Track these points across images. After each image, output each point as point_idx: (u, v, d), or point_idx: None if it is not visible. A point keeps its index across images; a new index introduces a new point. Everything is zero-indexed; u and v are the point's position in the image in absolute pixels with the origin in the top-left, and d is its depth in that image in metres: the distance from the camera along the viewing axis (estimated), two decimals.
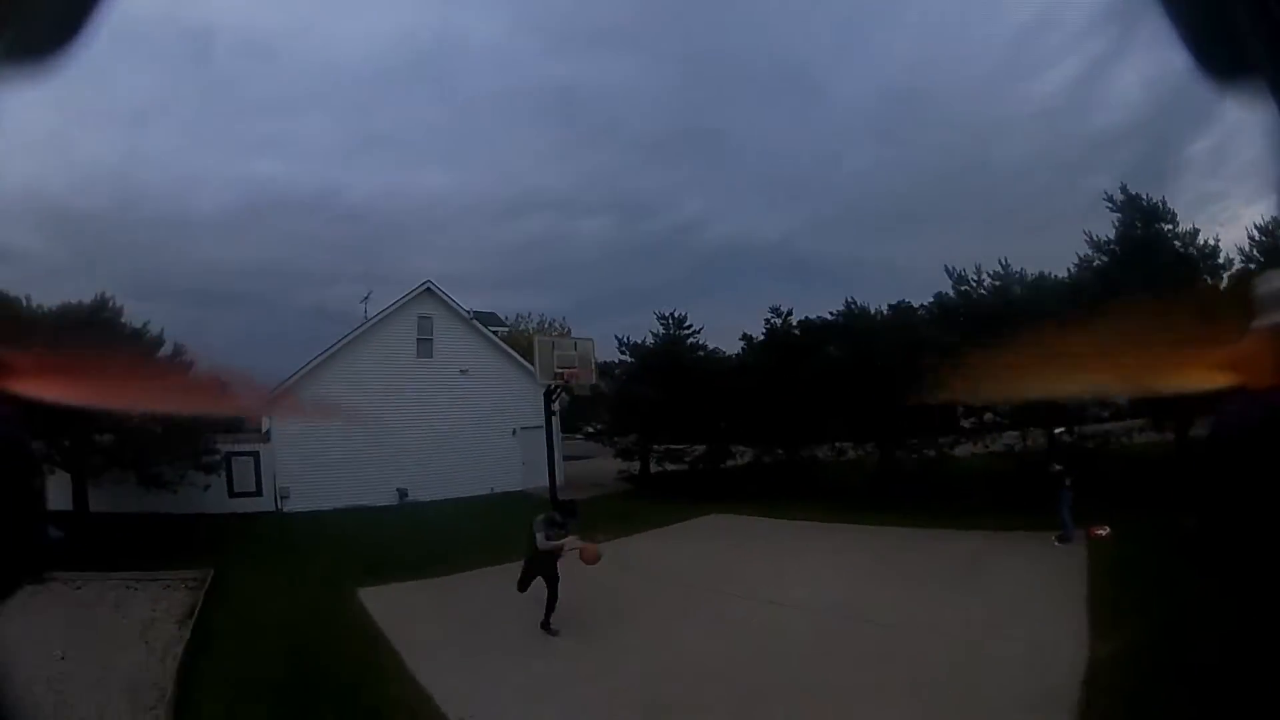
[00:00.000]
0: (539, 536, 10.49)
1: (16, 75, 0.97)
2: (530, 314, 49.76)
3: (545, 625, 10.35)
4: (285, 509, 22.49)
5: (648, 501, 22.75)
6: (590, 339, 23.31)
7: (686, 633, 10.10)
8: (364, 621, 11.08)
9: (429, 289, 25.29)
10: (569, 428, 30.55)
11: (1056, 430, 15.65)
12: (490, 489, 24.57)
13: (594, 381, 23.26)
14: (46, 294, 19.76)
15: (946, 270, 20.32)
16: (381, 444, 23.63)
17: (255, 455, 22.70)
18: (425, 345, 25.55)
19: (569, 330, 44.95)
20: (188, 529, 18.40)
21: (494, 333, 27.64)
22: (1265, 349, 1.04)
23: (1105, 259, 18.37)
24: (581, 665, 9.06)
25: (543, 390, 21.65)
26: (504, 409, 26.05)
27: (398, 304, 25.17)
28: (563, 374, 20.56)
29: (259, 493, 22.63)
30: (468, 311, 25.75)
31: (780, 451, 24.29)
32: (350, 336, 24.96)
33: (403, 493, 23.91)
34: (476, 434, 25.45)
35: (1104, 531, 12.42)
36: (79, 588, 12.35)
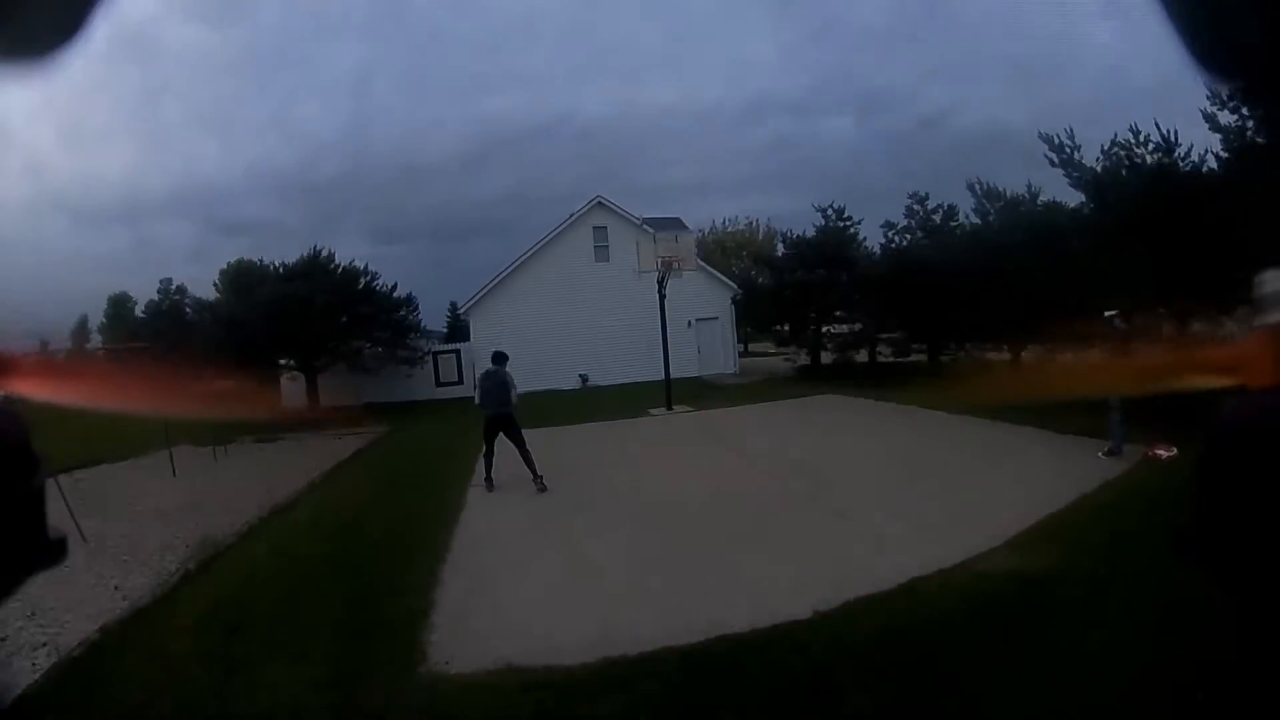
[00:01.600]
0: (512, 393, 11.13)
1: (16, 75, 0.99)
2: (738, 217, 51.20)
3: (538, 480, 10.88)
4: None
5: (787, 384, 24.94)
6: (692, 233, 26.07)
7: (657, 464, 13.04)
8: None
9: (600, 202, 28.60)
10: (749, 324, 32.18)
11: (1107, 314, 10.62)
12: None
13: (695, 268, 24.08)
14: (284, 255, 27.25)
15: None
16: (568, 338, 27.95)
17: (457, 352, 28.54)
18: (601, 251, 28.74)
19: (774, 231, 46.03)
20: (401, 408, 24.56)
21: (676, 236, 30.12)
22: (1265, 349, 1.09)
23: None
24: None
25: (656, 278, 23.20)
26: (680, 301, 27.85)
27: (573, 218, 28.90)
28: (667, 259, 21.91)
29: (460, 382, 28.07)
30: (638, 219, 27.89)
31: (919, 345, 24.82)
32: (534, 249, 28.98)
33: (584, 378, 27.56)
34: (653, 324, 27.40)
35: (1166, 453, 10.11)
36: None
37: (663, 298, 20.29)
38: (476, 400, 11.66)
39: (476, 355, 27.23)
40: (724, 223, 52.73)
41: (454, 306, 43.75)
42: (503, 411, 11.14)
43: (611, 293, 28.49)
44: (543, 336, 28.02)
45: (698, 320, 28.75)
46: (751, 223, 52.84)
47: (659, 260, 20.03)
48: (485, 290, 28.61)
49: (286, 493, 12.26)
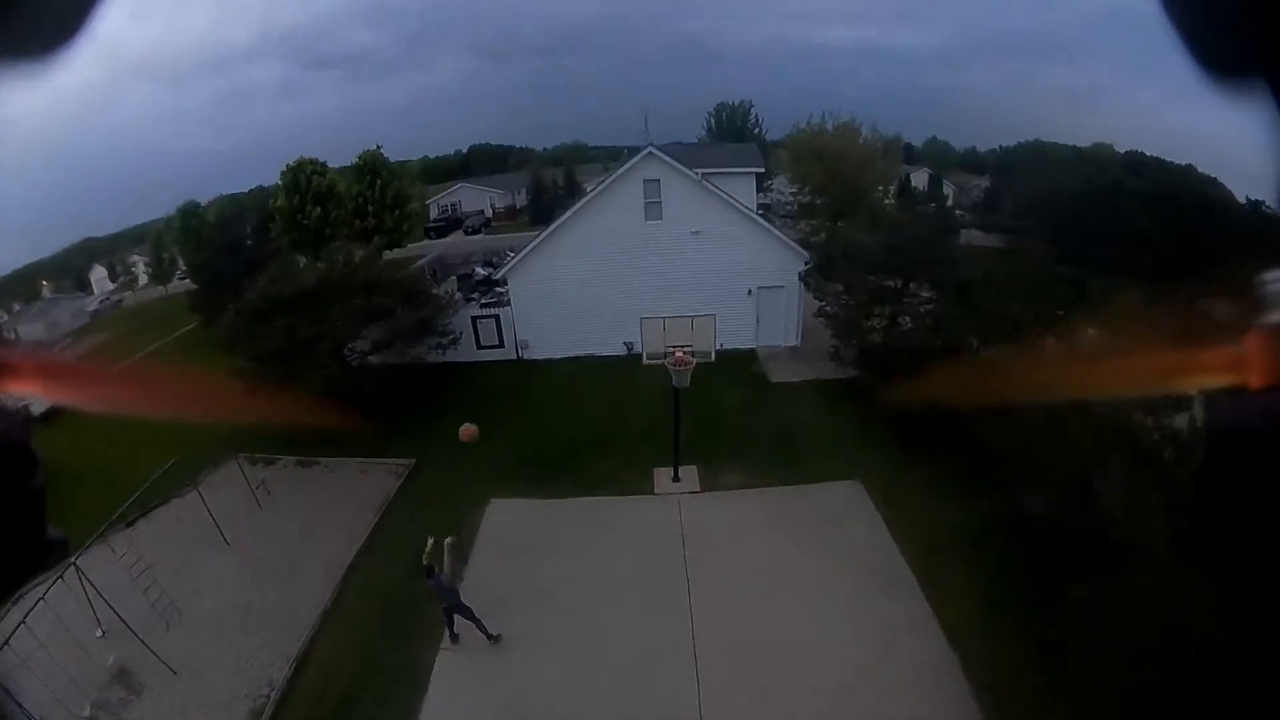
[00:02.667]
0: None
1: (16, 74, 1.02)
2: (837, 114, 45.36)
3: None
4: (525, 356, 28.08)
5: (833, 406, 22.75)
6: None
7: None
8: None
9: (651, 154, 25.92)
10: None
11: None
12: (719, 345, 24.68)
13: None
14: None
15: None
16: (614, 302, 26.80)
17: (497, 318, 27.89)
18: (654, 208, 26.41)
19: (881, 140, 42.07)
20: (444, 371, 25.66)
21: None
22: (1265, 349, 1.07)
23: None
24: None
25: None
26: (741, 268, 26.35)
27: (621, 172, 26.55)
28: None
29: (501, 345, 28.27)
30: (697, 173, 25.38)
31: None
32: (578, 207, 27.27)
33: (629, 346, 26.25)
34: (710, 292, 26.03)
35: None
36: None
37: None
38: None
39: (517, 320, 27.85)
40: (818, 120, 43.58)
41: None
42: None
43: (664, 253, 26.64)
44: (588, 301, 27.23)
45: (760, 289, 26.65)
46: (855, 123, 41.91)
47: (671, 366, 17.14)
48: (528, 251, 27.37)
49: None
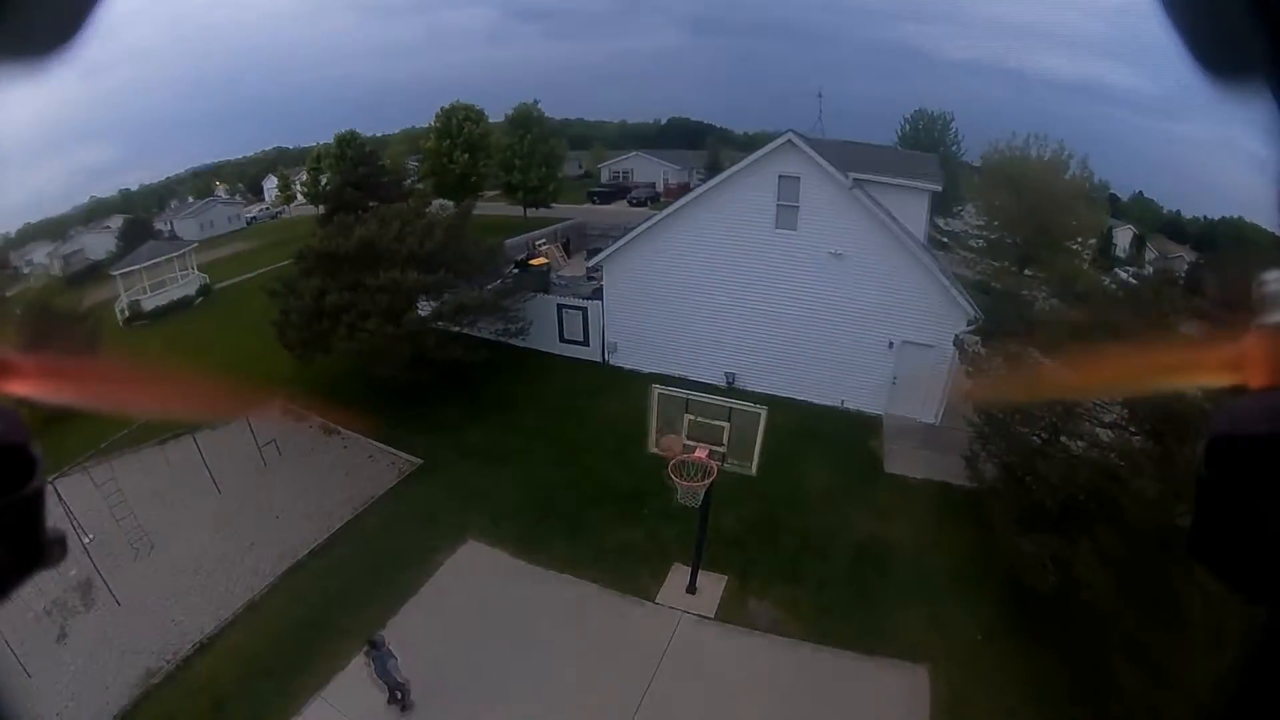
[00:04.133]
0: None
1: (16, 73, 1.08)
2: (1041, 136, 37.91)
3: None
4: (612, 361, 25.32)
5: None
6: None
7: None
8: None
9: (790, 142, 21.19)
10: None
11: None
12: (840, 402, 21.94)
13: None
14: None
15: None
16: (722, 321, 23.27)
17: (584, 310, 25.23)
18: (788, 214, 21.79)
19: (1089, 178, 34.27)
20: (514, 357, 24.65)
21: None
22: (1265, 349, 1.10)
23: None
24: None
25: None
26: (885, 312, 21.24)
27: (753, 159, 21.99)
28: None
29: (585, 343, 25.75)
30: (849, 178, 20.38)
31: None
32: (695, 195, 23.23)
33: (730, 377, 23.21)
34: (840, 335, 21.77)
35: None
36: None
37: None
38: None
39: (609, 317, 24.97)
40: (1020, 141, 36.15)
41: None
42: None
43: (791, 272, 22.01)
44: (691, 312, 23.51)
45: (904, 343, 21.25)
46: (1061, 151, 35.49)
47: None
48: (630, 239, 23.89)
49: None
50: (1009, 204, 31.73)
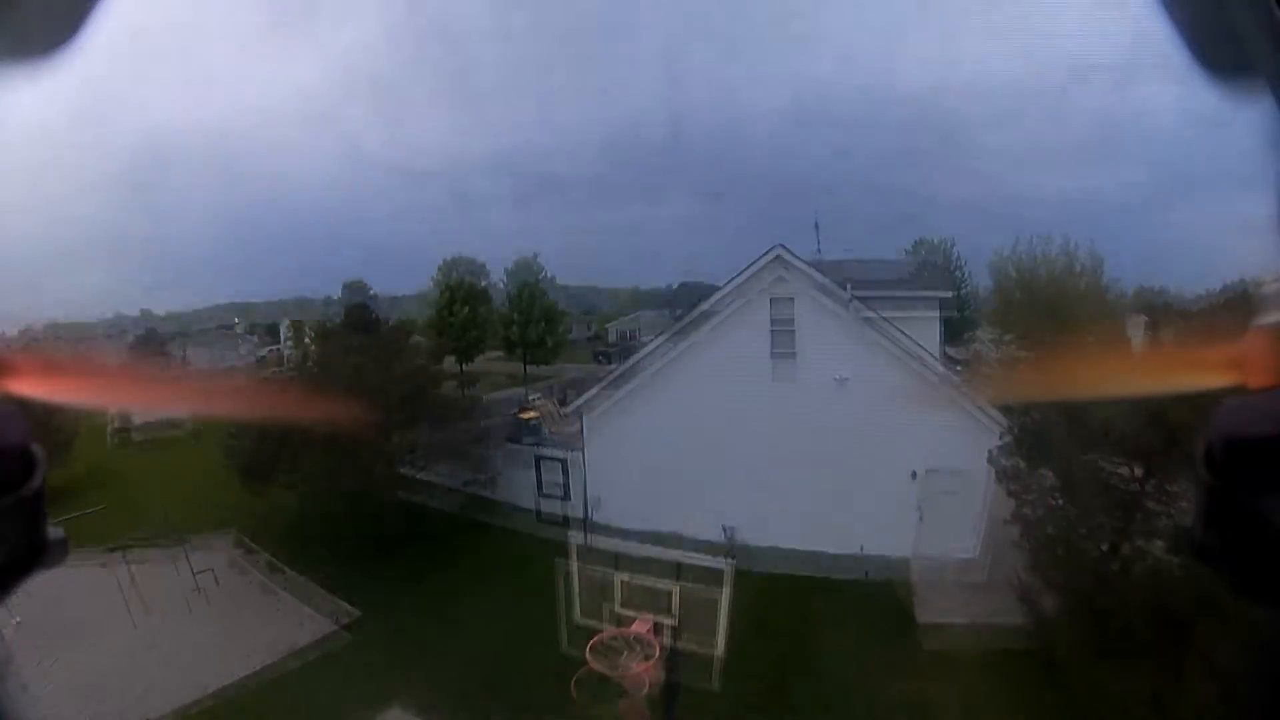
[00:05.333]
0: None
1: (16, 73, 1.15)
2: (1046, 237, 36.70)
3: None
4: (596, 517, 23.01)
5: None
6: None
7: None
8: None
9: (780, 258, 20.46)
10: None
11: None
12: (859, 548, 19.55)
13: None
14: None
15: None
16: (717, 467, 21.27)
17: (563, 462, 24.04)
18: (783, 341, 20.72)
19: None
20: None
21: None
22: (1265, 349, 1.13)
23: None
24: None
25: None
26: (904, 438, 19.38)
27: (742, 278, 21.09)
28: None
29: (567, 497, 23.97)
30: (846, 292, 19.82)
31: None
32: (684, 324, 22.54)
33: (729, 532, 20.82)
34: (853, 471, 19.74)
35: None
36: None
37: None
38: None
39: (592, 468, 23.26)
40: (1026, 246, 35.26)
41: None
42: None
43: (797, 405, 20.45)
44: (682, 460, 21.41)
45: (929, 472, 19.30)
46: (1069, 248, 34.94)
47: None
48: (612, 380, 23.14)
49: None
50: (1022, 314, 30.48)
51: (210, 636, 17.60)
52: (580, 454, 23.36)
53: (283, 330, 68.33)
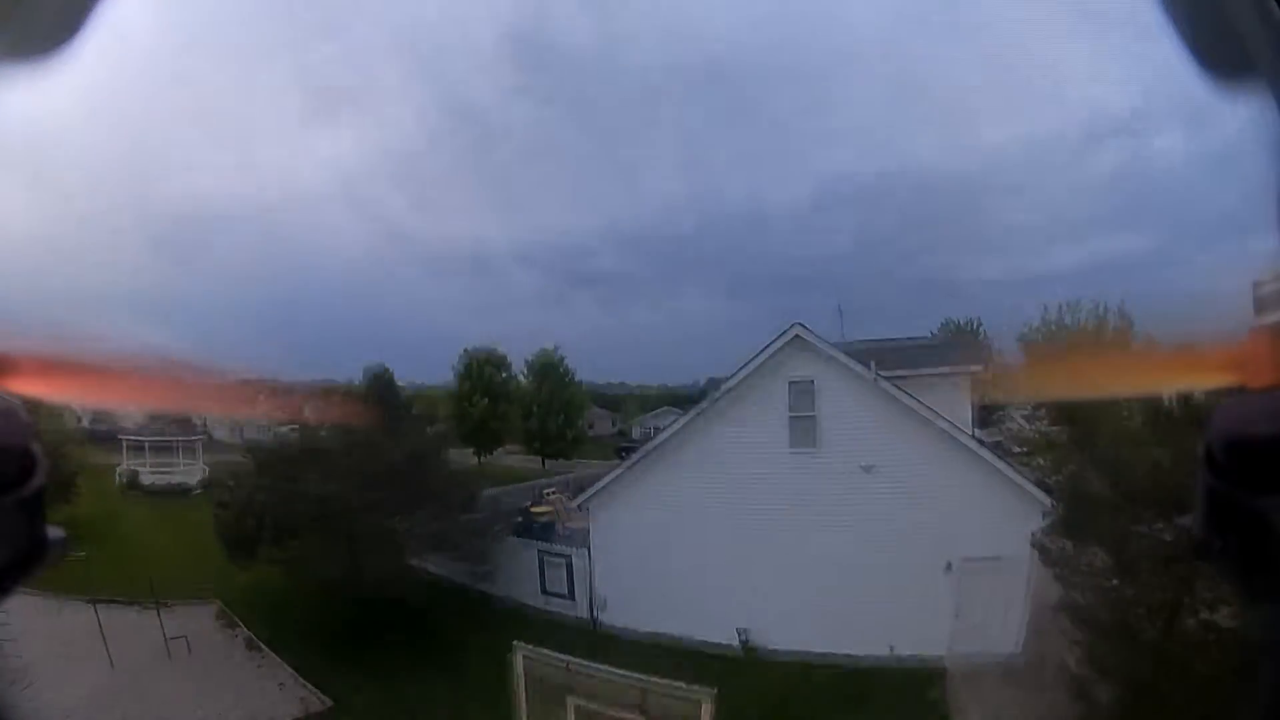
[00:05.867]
0: None
1: (17, 73, 1.16)
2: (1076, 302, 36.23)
3: None
4: (602, 619, 22.38)
5: None
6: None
7: None
8: None
9: (799, 336, 19.91)
10: None
11: None
12: (889, 648, 18.30)
13: None
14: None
15: None
16: (732, 565, 20.11)
17: (568, 559, 23.36)
18: (803, 427, 19.86)
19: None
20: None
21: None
22: (1265, 349, 1.20)
23: None
24: None
25: None
26: (937, 526, 18.40)
27: (757, 360, 20.40)
28: None
29: (570, 597, 23.29)
30: (871, 369, 19.22)
31: None
32: (697, 413, 21.85)
33: (744, 635, 19.77)
34: (881, 565, 18.59)
35: None
36: None
37: None
38: None
39: (599, 566, 22.27)
40: (1055, 314, 34.14)
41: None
42: None
43: (818, 496, 19.41)
44: (694, 557, 20.35)
45: (964, 561, 18.06)
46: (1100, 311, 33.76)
47: None
48: (620, 474, 22.39)
49: None
50: (1056, 383, 29.73)
51: (167, 703, 17.54)
52: (586, 551, 22.54)
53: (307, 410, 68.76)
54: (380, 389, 43.65)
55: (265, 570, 20.82)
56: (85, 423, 47.19)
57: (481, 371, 43.17)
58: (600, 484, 22.26)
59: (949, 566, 18.10)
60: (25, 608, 17.12)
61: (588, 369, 47.25)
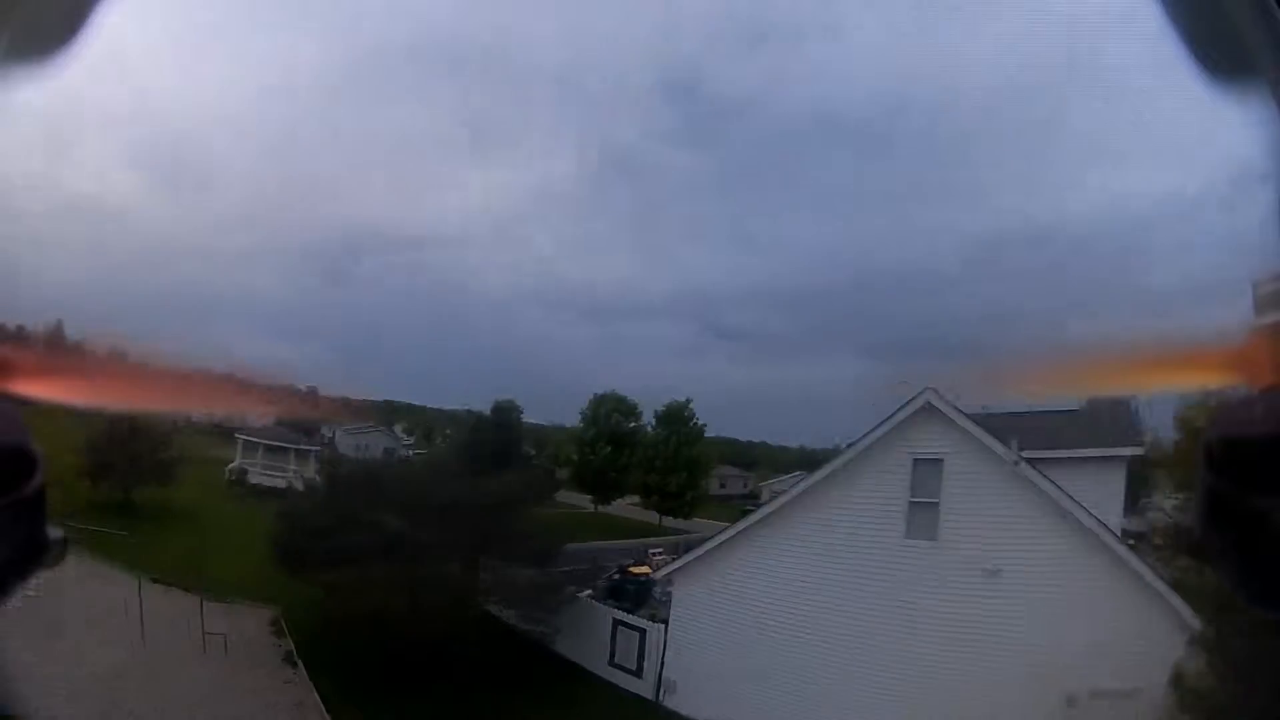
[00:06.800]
0: None
1: (18, 72, 1.19)
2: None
3: None
4: (667, 703, 21.17)
5: None
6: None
7: None
8: None
9: (929, 405, 18.01)
10: None
11: None
12: None
13: None
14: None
15: None
16: (821, 663, 18.35)
17: (642, 632, 22.14)
18: (924, 516, 17.78)
19: None
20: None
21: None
22: (1265, 349, 1.16)
23: None
24: None
25: None
26: (1064, 649, 15.91)
27: (882, 430, 18.58)
28: None
29: (638, 673, 22.07)
30: (1013, 449, 17.17)
31: None
32: (804, 488, 20.15)
33: None
34: (993, 684, 16.10)
35: None
36: None
37: None
38: None
39: (673, 646, 20.84)
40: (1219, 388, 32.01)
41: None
42: None
43: (930, 596, 17.30)
44: (781, 650, 18.63)
45: (1092, 696, 15.50)
46: None
47: None
48: (709, 549, 21.17)
49: None
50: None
51: (179, 690, 17.90)
52: (664, 626, 21.23)
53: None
54: (499, 423, 44.42)
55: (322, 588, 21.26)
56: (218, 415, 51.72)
57: (609, 417, 42.98)
58: (687, 557, 21.22)
59: (1072, 701, 15.68)
60: (78, 573, 18.42)
61: (725, 423, 46.10)
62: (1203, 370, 1.20)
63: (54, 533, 1.16)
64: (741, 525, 20.96)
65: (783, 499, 20.35)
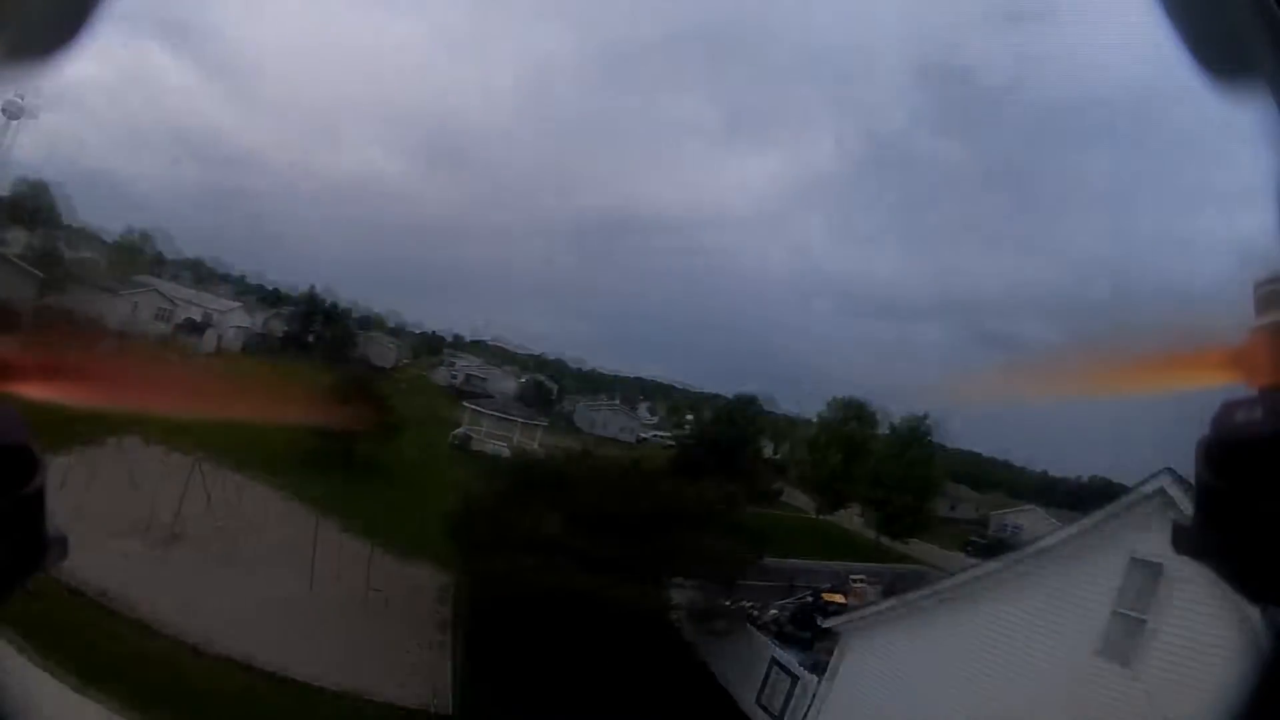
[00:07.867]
0: None
1: (19, 72, 1.23)
2: None
3: None
4: None
5: None
6: None
7: None
8: None
9: (1164, 491, 14.55)
10: None
11: None
12: None
13: None
14: None
15: None
16: None
17: (794, 679, 21.31)
18: (1125, 633, 14.93)
19: None
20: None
21: None
22: (1265, 349, 1.15)
23: None
24: None
25: None
26: None
27: (1087, 525, 16.13)
28: None
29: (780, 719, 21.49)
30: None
31: None
32: (1011, 561, 18.13)
33: None
34: None
35: None
36: None
37: None
38: None
39: (826, 704, 19.66)
40: None
41: None
42: None
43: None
44: None
45: None
46: None
47: None
48: (880, 611, 19.71)
49: None
50: None
51: (322, 630, 18.94)
52: (816, 679, 20.06)
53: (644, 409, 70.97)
54: (733, 419, 44.11)
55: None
56: (459, 381, 54.90)
57: (846, 423, 42.58)
58: (858, 614, 20.01)
59: None
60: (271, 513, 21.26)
61: (970, 435, 45.48)
62: (1203, 370, 1.18)
63: (55, 533, 1.17)
64: (924, 592, 19.17)
65: (970, 574, 18.55)
